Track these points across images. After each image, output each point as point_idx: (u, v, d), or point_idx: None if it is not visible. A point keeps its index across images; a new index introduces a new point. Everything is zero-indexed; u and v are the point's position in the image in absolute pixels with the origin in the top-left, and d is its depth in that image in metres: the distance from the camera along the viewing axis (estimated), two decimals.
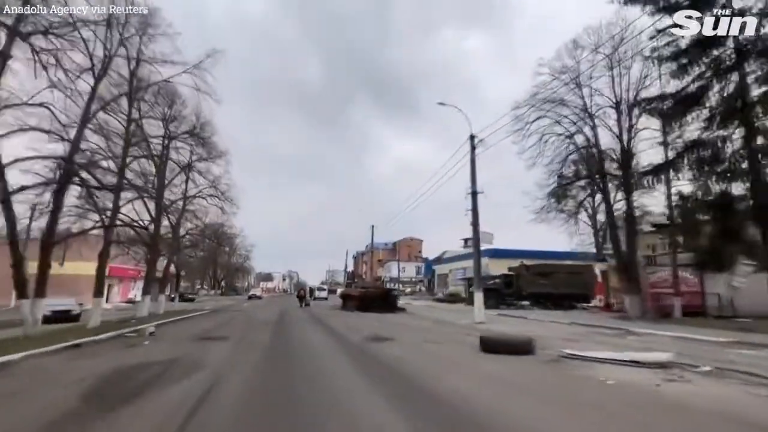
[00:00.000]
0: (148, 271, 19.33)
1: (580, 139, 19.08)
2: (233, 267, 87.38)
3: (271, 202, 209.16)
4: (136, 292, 41.19)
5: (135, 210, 19.18)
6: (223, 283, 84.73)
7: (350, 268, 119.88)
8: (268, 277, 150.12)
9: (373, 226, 37.81)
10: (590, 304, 24.13)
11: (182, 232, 25.32)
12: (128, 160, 16.81)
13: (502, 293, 24.48)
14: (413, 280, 71.35)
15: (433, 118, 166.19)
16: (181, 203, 23.16)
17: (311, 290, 73.99)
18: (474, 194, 16.51)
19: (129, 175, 17.94)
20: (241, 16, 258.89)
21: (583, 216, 39.87)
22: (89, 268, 26.49)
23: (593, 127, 18.04)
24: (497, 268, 41.81)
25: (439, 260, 57.82)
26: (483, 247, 17.94)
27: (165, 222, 23.35)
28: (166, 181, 21.11)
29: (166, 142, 20.06)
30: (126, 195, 16.55)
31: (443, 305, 30.43)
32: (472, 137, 16.79)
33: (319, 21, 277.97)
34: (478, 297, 15.80)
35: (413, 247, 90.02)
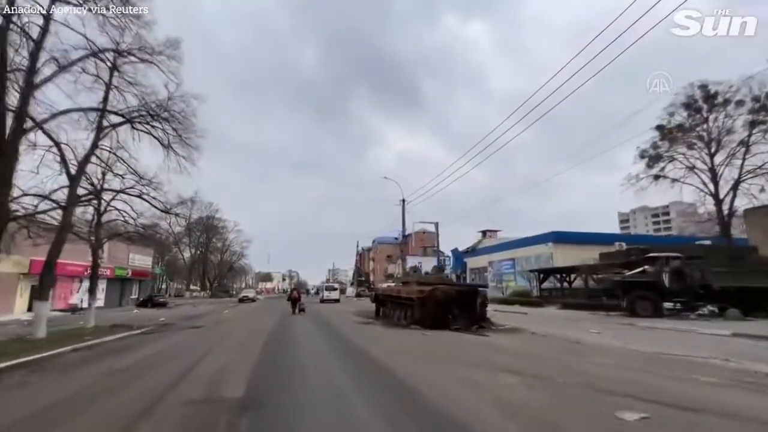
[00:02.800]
0: None
1: None
2: (226, 265, 77.08)
3: (270, 200, 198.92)
4: (82, 295, 30.78)
5: None
6: (216, 283, 74.48)
7: (351, 268, 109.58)
8: (267, 277, 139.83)
9: (403, 201, 27.27)
10: None
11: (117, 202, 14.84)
12: None
13: (665, 291, 13.97)
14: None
15: (436, 110, 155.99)
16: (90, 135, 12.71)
17: (317, 290, 63.27)
18: None
19: None
20: (237, 6, 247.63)
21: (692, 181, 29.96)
22: None
23: None
24: (566, 257, 31.37)
25: (474, 251, 47.34)
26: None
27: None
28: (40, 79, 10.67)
29: None
30: None
31: (527, 310, 20.00)
32: None
33: (318, 10, 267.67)
34: None
35: (426, 240, 79.85)
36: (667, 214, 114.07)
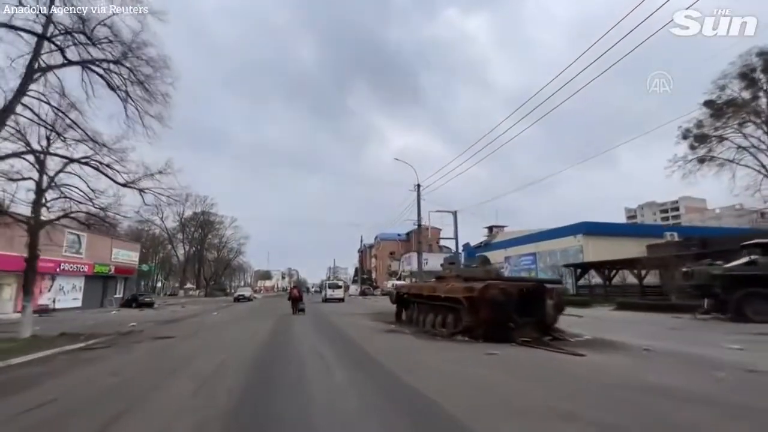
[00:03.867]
0: None
1: None
2: (223, 263, 73.51)
3: (270, 198, 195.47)
4: (54, 294, 27.30)
5: None
6: (212, 282, 71.03)
7: (353, 267, 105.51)
8: (266, 275, 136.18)
9: (418, 186, 23.86)
10: None
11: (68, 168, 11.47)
12: None
13: None
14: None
15: (435, 106, 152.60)
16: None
17: (318, 289, 59.82)
18: None
19: None
20: (235, 1, 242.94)
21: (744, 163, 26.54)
22: None
23: None
24: (598, 250, 28.08)
25: (487, 245, 44.00)
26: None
27: None
28: None
29: None
30: None
31: (575, 311, 16.63)
32: None
33: (316, 5, 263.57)
34: None
35: (431, 237, 76.54)
36: (677, 209, 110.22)
